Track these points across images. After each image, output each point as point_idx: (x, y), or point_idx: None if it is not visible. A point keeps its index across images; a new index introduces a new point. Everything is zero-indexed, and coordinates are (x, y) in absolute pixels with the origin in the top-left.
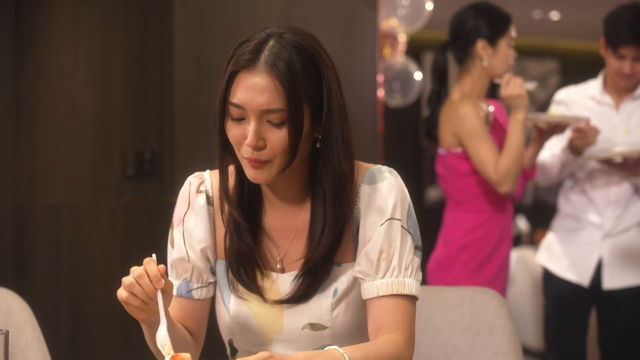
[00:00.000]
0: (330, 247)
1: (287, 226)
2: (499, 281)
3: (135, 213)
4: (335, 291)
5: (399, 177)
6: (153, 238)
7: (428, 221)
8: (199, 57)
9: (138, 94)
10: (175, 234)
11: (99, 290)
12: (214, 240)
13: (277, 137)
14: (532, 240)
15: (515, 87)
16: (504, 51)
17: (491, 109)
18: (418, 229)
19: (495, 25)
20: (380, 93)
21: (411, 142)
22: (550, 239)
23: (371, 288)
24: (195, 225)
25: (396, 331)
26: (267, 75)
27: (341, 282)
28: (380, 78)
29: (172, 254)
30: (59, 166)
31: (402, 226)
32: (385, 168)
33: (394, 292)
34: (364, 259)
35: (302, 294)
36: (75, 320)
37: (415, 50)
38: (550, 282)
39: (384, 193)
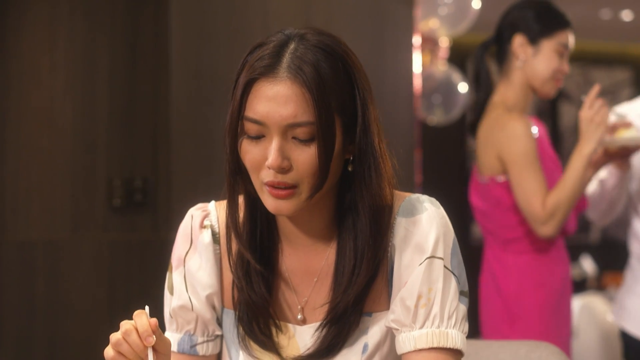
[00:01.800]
0: (361, 290)
1: (309, 268)
2: (566, 333)
3: (123, 251)
4: (365, 346)
5: (441, 207)
6: (145, 281)
7: (475, 260)
8: (199, 64)
9: (127, 109)
10: (175, 277)
11: (80, 343)
12: (221, 286)
13: (305, 156)
14: (600, 284)
15: (598, 113)
16: (548, 56)
17: (535, 130)
18: (464, 271)
19: (542, 21)
20: (418, 108)
21: (455, 167)
22: (622, 290)
23: (407, 340)
24: (200, 267)
25: None
26: (292, 83)
27: (372, 336)
28: (417, 90)
29: (172, 301)
30: (32, 195)
31: (445, 266)
32: (425, 197)
33: (435, 345)
34: (399, 305)
35: (326, 348)
36: None
37: (459, 56)
38: (630, 346)
39: (423, 227)
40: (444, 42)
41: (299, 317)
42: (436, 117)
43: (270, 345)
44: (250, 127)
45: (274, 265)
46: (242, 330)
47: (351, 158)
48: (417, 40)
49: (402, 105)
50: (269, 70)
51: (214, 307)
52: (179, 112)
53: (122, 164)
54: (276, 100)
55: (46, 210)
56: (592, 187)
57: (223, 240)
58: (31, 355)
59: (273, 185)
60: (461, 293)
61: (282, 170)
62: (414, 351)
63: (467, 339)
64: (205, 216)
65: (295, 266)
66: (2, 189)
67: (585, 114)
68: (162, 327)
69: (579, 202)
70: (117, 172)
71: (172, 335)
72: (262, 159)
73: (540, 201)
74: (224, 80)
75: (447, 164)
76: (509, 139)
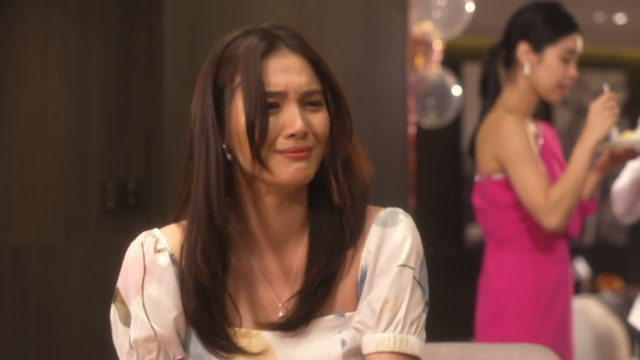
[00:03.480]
0: (331, 279)
1: (284, 268)
2: (559, 336)
3: (117, 255)
4: (344, 342)
5: (412, 221)
6: None
7: (469, 264)
8: (193, 67)
9: (120, 112)
10: (133, 307)
11: (74, 346)
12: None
13: (319, 119)
14: (594, 287)
15: (608, 107)
16: (551, 63)
17: (536, 133)
18: (428, 284)
19: (546, 28)
20: (412, 111)
21: (448, 170)
22: None
23: (370, 342)
24: (161, 290)
25: None
26: (297, 56)
27: (348, 334)
28: (411, 93)
29: (132, 333)
30: (25, 198)
31: (414, 276)
32: (400, 210)
33: (396, 350)
34: (366, 307)
35: (299, 318)
36: None
37: (453, 60)
38: None
39: (399, 236)
40: (438, 45)
41: (280, 314)
42: (430, 120)
43: (234, 348)
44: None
45: (243, 269)
46: (205, 342)
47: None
48: (410, 43)
49: (396, 108)
50: (272, 47)
51: (179, 329)
52: (172, 116)
53: (116, 167)
54: (290, 71)
55: (39, 213)
56: (620, 182)
57: (183, 261)
58: (24, 359)
59: (294, 151)
60: (425, 304)
61: (304, 135)
62: (375, 353)
63: (461, 342)
64: (157, 241)
65: (270, 267)
66: None
67: (596, 106)
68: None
69: (585, 206)
70: (110, 175)
71: None
72: (278, 129)
73: (542, 193)
74: None
75: (441, 167)
76: (503, 138)
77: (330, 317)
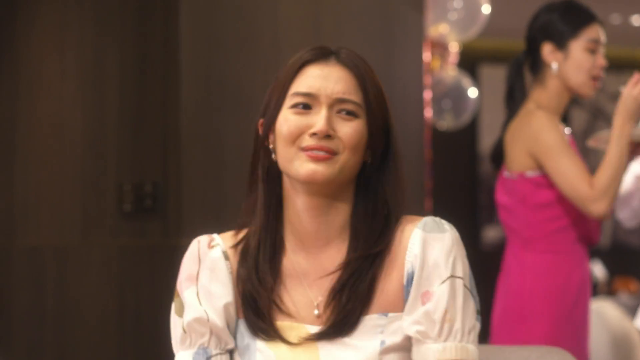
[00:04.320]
0: (372, 280)
1: (324, 268)
2: (578, 340)
3: (133, 257)
4: (383, 342)
5: (457, 232)
6: (155, 287)
7: (486, 266)
8: (209, 69)
9: (137, 114)
10: (187, 296)
11: (90, 349)
12: (235, 298)
13: (348, 128)
14: (610, 290)
15: (638, 90)
16: (578, 56)
17: (567, 131)
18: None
19: (565, 23)
20: (428, 113)
21: (465, 172)
22: None
23: (431, 351)
24: (212, 279)
25: None
26: (342, 68)
27: (389, 335)
28: (427, 95)
29: (185, 317)
30: (41, 201)
31: (465, 285)
32: (444, 221)
33: (458, 358)
34: (425, 318)
35: (339, 322)
36: None
37: (469, 62)
38: None
39: (446, 246)
40: (454, 47)
41: (316, 312)
42: (446, 122)
43: (277, 335)
44: (298, 99)
45: (285, 269)
46: (251, 329)
47: (369, 161)
48: (426, 45)
49: (412, 111)
50: (320, 57)
51: (228, 319)
52: (189, 117)
53: (132, 169)
54: (327, 78)
55: (56, 215)
56: (625, 187)
57: (234, 258)
58: None
59: (314, 149)
60: (478, 312)
61: (327, 137)
62: None
63: (480, 344)
64: (211, 240)
65: (309, 267)
66: (12, 194)
67: (630, 91)
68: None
69: None
70: (127, 177)
71: (186, 353)
72: (304, 127)
73: (587, 182)
74: (234, 86)
75: (457, 168)
76: (536, 132)
77: (374, 315)
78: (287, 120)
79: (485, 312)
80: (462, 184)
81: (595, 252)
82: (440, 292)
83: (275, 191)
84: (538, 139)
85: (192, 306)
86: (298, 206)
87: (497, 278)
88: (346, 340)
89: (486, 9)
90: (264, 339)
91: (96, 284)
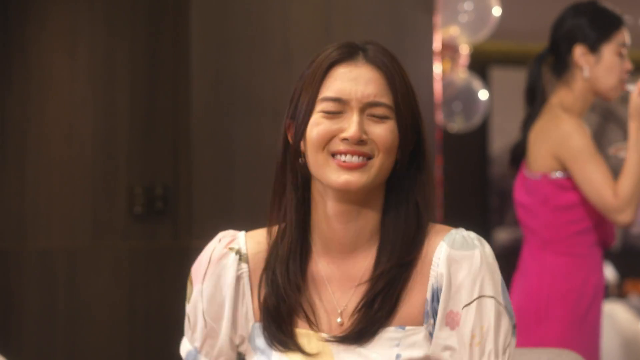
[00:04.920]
0: (395, 290)
1: (349, 275)
2: (591, 343)
3: (144, 259)
4: (398, 356)
5: (488, 245)
6: (165, 289)
7: None
8: (219, 70)
9: (147, 116)
10: (195, 293)
11: (100, 351)
12: (252, 302)
13: (381, 130)
14: (621, 292)
15: None
16: (610, 60)
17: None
18: (511, 304)
19: (598, 27)
20: (439, 116)
21: (475, 174)
22: None
23: None
24: (217, 286)
25: None
26: (371, 69)
27: (405, 349)
28: (438, 98)
29: (188, 308)
30: (52, 203)
31: (497, 302)
32: (473, 234)
33: None
34: (458, 342)
35: (358, 329)
36: None
37: (480, 64)
38: None
39: (473, 266)
40: (465, 50)
41: (339, 320)
42: (456, 125)
43: (293, 345)
44: (328, 105)
45: (309, 274)
46: (267, 335)
47: (399, 161)
48: (437, 47)
49: (423, 112)
50: (348, 57)
51: (238, 326)
52: (199, 119)
53: (143, 171)
54: (357, 80)
55: (67, 218)
56: None
57: (253, 260)
58: None
59: (347, 153)
60: (513, 327)
61: (360, 142)
62: None
63: None
64: (233, 240)
65: (334, 274)
66: (22, 197)
67: (638, 99)
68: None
69: None
70: (137, 179)
71: (186, 342)
72: (334, 131)
73: (611, 191)
74: (244, 87)
75: (468, 171)
76: (564, 136)
77: (391, 328)
78: (317, 124)
79: None
80: (473, 186)
81: (605, 255)
82: (466, 314)
83: (305, 195)
84: (565, 144)
85: (193, 304)
86: (327, 211)
87: (512, 278)
88: (362, 350)
89: (497, 11)
90: (280, 350)
91: (107, 286)
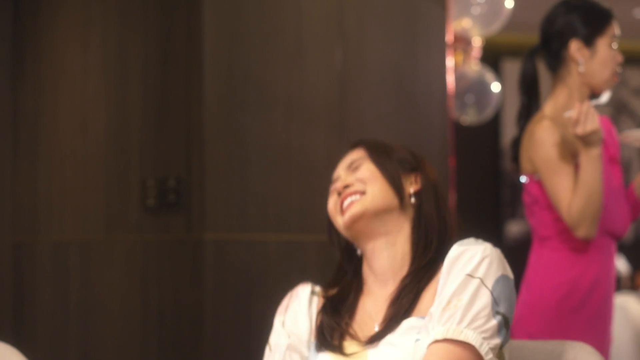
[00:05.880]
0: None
1: (385, 296)
2: (592, 334)
3: (156, 252)
4: (417, 340)
5: (497, 248)
6: (178, 281)
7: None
8: (232, 64)
9: (160, 109)
10: (276, 322)
11: (114, 345)
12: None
13: (359, 171)
14: (634, 284)
15: (587, 123)
16: (604, 53)
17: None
18: (510, 302)
19: (591, 21)
20: (451, 108)
21: (488, 167)
22: None
23: (429, 334)
24: (296, 310)
25: None
26: (356, 148)
27: (423, 335)
28: (450, 90)
29: (271, 338)
30: (65, 196)
31: (482, 283)
32: (486, 242)
33: (448, 337)
34: (437, 306)
35: (389, 320)
36: None
37: (492, 56)
38: None
39: (473, 252)
40: (477, 42)
41: (376, 328)
42: (469, 117)
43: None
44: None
45: (360, 302)
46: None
47: (412, 193)
48: (449, 40)
49: (435, 106)
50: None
51: (303, 338)
52: (212, 112)
53: (156, 164)
54: (344, 160)
55: (80, 211)
56: None
57: (321, 298)
58: (65, 354)
59: (343, 200)
60: (497, 313)
61: (346, 187)
62: (432, 342)
63: None
64: (309, 284)
65: (375, 303)
66: (36, 190)
67: (578, 130)
68: None
69: (637, 205)
70: (150, 172)
71: None
72: (334, 199)
73: (567, 208)
74: (257, 80)
75: (480, 163)
76: (536, 144)
77: (413, 319)
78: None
79: None
80: (485, 178)
81: (618, 247)
82: (451, 286)
83: (351, 253)
84: (536, 152)
85: (275, 331)
86: (365, 253)
87: (523, 273)
88: (390, 338)
89: (509, 3)
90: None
91: (120, 278)
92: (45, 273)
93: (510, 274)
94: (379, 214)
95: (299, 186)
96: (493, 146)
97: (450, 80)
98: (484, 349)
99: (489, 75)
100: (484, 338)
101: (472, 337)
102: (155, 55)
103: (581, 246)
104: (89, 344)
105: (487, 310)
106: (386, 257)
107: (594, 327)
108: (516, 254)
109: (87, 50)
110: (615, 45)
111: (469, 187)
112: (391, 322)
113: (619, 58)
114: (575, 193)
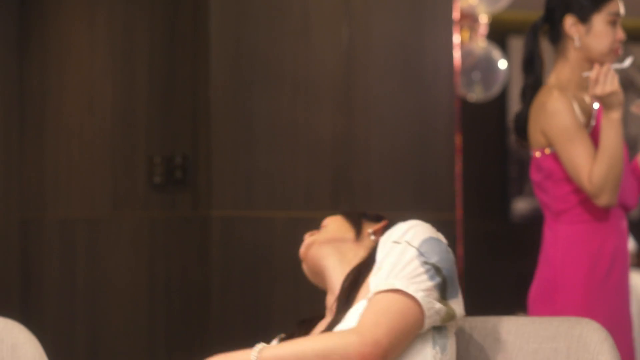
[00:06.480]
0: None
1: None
2: (614, 309)
3: (163, 229)
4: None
5: (430, 225)
6: (185, 258)
7: (516, 238)
8: (239, 41)
9: (167, 87)
10: None
11: (121, 322)
12: None
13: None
14: None
15: (607, 83)
16: (600, 30)
17: (596, 106)
18: (445, 259)
19: None
20: (457, 85)
21: (494, 144)
22: None
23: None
24: None
25: (359, 323)
26: None
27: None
28: (457, 67)
29: None
30: (72, 173)
31: (408, 244)
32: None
33: (377, 291)
34: (371, 279)
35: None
36: (92, 356)
37: (499, 33)
38: None
39: (399, 227)
40: (484, 19)
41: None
42: (475, 94)
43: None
44: None
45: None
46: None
47: (372, 232)
48: (456, 17)
49: (442, 83)
50: None
51: None
52: (219, 89)
53: (162, 141)
54: None
55: (87, 188)
56: None
57: None
58: (73, 331)
59: None
60: (426, 262)
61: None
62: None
63: (508, 316)
64: None
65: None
66: (43, 167)
67: (595, 91)
68: None
69: None
70: (157, 149)
71: None
72: None
73: (587, 175)
74: (263, 58)
75: (487, 140)
76: (548, 115)
77: (359, 302)
78: None
79: (518, 284)
80: (492, 156)
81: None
82: (380, 254)
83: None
84: (549, 123)
85: None
86: (329, 283)
87: (529, 250)
88: (340, 327)
89: None
90: None
91: (126, 255)
92: (52, 250)
93: (442, 239)
94: (331, 241)
95: (306, 163)
96: (500, 123)
97: (457, 57)
98: (412, 289)
99: (495, 52)
100: (412, 283)
101: (398, 283)
102: (162, 32)
103: (598, 217)
104: (96, 320)
105: (415, 263)
106: (340, 273)
107: (617, 301)
108: (523, 231)
109: (93, 27)
110: (617, 22)
111: (476, 164)
112: (339, 314)
113: (621, 35)
114: (597, 159)
